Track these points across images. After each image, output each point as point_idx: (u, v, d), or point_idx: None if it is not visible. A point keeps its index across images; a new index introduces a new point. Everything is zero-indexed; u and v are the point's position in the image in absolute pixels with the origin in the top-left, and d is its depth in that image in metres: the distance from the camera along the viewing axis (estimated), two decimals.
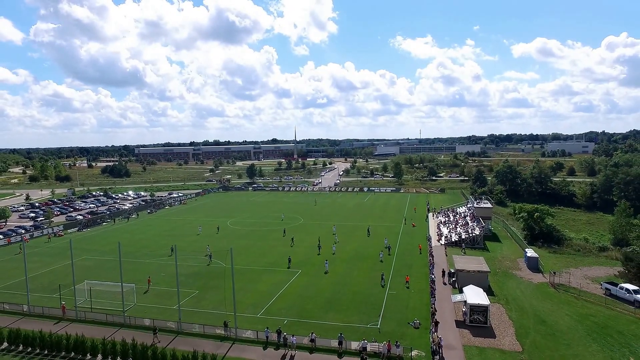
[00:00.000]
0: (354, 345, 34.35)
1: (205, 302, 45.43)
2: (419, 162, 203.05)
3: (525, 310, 41.55)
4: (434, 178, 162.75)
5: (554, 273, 49.21)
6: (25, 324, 39.60)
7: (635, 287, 43.28)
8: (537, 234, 65.57)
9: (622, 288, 43.63)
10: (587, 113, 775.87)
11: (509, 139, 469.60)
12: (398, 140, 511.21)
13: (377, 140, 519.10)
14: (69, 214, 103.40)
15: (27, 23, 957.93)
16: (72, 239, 51.97)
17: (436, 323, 37.27)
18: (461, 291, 42.95)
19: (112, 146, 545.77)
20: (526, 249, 57.74)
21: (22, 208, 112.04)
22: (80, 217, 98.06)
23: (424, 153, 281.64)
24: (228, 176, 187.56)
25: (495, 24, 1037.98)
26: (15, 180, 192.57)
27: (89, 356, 34.10)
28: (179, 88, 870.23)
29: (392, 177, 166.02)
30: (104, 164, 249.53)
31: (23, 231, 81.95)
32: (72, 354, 34.45)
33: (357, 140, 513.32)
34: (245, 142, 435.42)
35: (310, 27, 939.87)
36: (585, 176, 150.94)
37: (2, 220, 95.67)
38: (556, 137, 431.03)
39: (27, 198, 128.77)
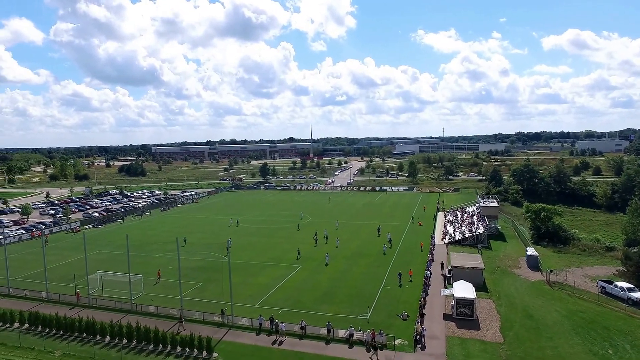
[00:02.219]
0: (341, 333, 36.35)
1: (208, 292, 48.07)
2: (437, 161, 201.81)
3: (515, 306, 42.77)
4: (450, 177, 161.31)
5: (551, 271, 50.15)
6: (43, 309, 42.80)
7: (630, 285, 43.88)
8: (543, 233, 66.14)
9: (616, 286, 44.24)
10: (626, 109, 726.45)
11: (538, 137, 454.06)
12: (418, 138, 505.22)
13: (398, 138, 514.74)
14: (85, 212, 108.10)
15: (47, 23, 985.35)
16: (87, 235, 55.54)
17: (422, 315, 39.02)
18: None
19: (130, 145, 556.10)
20: (527, 248, 58.72)
21: (43, 205, 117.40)
22: (97, 214, 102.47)
23: (444, 152, 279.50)
24: (241, 175, 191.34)
25: (523, 16, 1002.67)
26: (37, 179, 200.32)
27: (98, 337, 37.01)
28: (196, 86, 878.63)
29: (407, 176, 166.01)
30: (121, 163, 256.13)
31: (43, 227, 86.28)
32: (84, 334, 37.45)
33: (376, 139, 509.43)
34: (261, 141, 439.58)
35: (328, 22, 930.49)
36: (613, 176, 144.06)
37: (25, 216, 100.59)
38: (589, 135, 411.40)
39: (47, 196, 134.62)
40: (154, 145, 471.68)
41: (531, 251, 55.83)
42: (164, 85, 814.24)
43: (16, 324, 39.92)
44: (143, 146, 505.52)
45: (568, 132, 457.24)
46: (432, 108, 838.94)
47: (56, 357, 34.04)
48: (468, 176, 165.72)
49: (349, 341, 35.53)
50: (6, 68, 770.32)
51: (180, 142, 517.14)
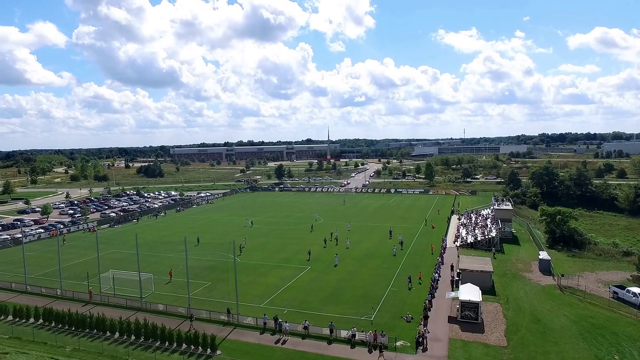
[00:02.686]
0: (344, 333, 36.59)
1: (216, 292, 48.84)
2: (456, 163, 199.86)
3: (523, 310, 42.22)
4: (468, 180, 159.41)
5: (562, 275, 49.33)
6: (57, 305, 44.23)
7: None
8: (557, 237, 64.99)
9: (629, 291, 43.20)
10: None
11: (562, 138, 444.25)
12: (438, 140, 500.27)
13: (417, 140, 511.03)
14: (103, 212, 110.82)
15: (69, 27, 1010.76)
16: (103, 234, 57.06)
17: (425, 317, 38.97)
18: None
19: (150, 147, 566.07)
20: (540, 252, 57.81)
21: (63, 205, 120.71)
22: (113, 214, 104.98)
23: (464, 154, 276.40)
24: (258, 177, 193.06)
25: (548, 14, 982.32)
26: (58, 180, 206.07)
27: (108, 333, 38.12)
28: (215, 88, 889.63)
29: (423, 178, 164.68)
30: (140, 165, 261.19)
31: (62, 226, 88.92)
32: (95, 330, 38.62)
33: (395, 140, 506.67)
34: (279, 143, 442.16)
35: (347, 23, 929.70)
36: (638, 178, 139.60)
37: (45, 216, 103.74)
38: (617, 137, 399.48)
39: (67, 196, 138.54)
40: (173, 147, 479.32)
41: (543, 255, 54.90)
42: (183, 87, 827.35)
43: (31, 320, 41.41)
44: (162, 147, 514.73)
45: (595, 134, 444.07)
46: (453, 109, 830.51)
47: (67, 351, 35.19)
48: (487, 178, 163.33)
49: (351, 341, 35.73)
50: (31, 71, 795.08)
51: (198, 143, 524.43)
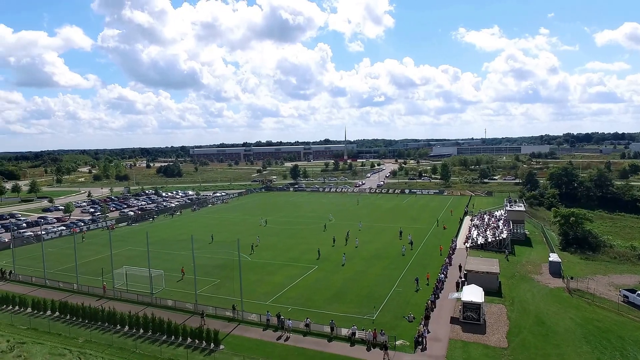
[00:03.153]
0: (344, 331, 37.15)
1: (224, 289, 49.99)
2: (475, 164, 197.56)
3: (528, 312, 41.91)
4: (485, 181, 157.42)
5: (571, 278, 48.69)
6: (73, 299, 46.17)
7: None
8: (571, 239, 63.99)
9: (639, 295, 42.80)
10: None
11: (588, 138, 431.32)
12: (457, 140, 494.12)
13: (437, 140, 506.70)
14: (122, 210, 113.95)
15: (95, 30, 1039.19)
16: (120, 232, 58.95)
17: (426, 317, 39.15)
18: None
19: (171, 147, 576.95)
20: (550, 254, 57.08)
21: (84, 204, 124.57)
22: (132, 213, 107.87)
23: (484, 154, 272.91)
24: (273, 177, 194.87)
25: (574, 10, 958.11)
26: (82, 179, 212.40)
27: (118, 327, 39.67)
28: (234, 89, 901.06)
29: (439, 179, 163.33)
30: (160, 165, 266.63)
31: (82, 224, 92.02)
32: (106, 324, 40.21)
33: (414, 141, 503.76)
34: (297, 143, 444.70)
35: (366, 22, 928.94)
36: None
37: (67, 214, 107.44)
38: None
39: (89, 195, 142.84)
40: (192, 147, 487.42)
41: (554, 257, 54.17)
42: (204, 88, 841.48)
43: (48, 312, 43.38)
44: (182, 148, 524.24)
45: (623, 133, 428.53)
46: (474, 108, 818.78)
47: (79, 343, 36.81)
48: (505, 179, 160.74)
49: (351, 340, 36.25)
50: (59, 74, 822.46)
51: (218, 143, 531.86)
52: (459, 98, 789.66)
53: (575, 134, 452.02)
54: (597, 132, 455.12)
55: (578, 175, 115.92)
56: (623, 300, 43.41)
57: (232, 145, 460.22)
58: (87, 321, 41.05)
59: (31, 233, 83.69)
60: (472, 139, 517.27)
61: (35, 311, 43.73)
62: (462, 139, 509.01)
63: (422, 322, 38.10)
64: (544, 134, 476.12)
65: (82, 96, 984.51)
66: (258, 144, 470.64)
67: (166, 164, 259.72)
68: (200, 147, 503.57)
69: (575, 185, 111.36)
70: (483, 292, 41.75)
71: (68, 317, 42.12)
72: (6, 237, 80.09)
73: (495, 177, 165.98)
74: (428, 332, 37.33)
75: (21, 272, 57.22)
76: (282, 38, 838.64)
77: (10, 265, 58.81)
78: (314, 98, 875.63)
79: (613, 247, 64.47)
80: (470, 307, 39.32)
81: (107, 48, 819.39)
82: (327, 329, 37.53)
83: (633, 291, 43.54)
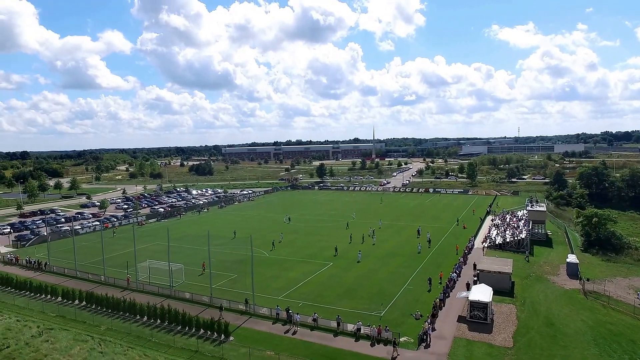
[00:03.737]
0: (350, 327, 38.04)
1: (239, 283, 51.76)
2: (504, 163, 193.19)
3: (538, 313, 41.42)
4: (513, 180, 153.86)
5: (587, 280, 47.62)
6: (99, 290, 49.22)
7: None
8: (593, 240, 62.27)
9: None
10: None
11: (628, 136, 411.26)
12: (489, 139, 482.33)
13: (468, 139, 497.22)
14: (153, 207, 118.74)
15: (134, 34, 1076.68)
16: (149, 228, 61.86)
17: (433, 315, 39.49)
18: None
19: (205, 146, 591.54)
20: (569, 255, 55.76)
21: (119, 201, 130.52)
22: (161, 209, 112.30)
23: (514, 153, 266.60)
24: (300, 175, 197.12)
25: (614, 4, 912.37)
26: (119, 177, 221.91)
27: (137, 317, 42.16)
28: (267, 89, 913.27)
29: (465, 178, 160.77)
30: (193, 163, 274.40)
31: (115, 219, 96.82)
32: (127, 314, 42.77)
33: (445, 139, 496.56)
34: (326, 142, 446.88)
35: (396, 21, 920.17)
36: None
37: (102, 210, 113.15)
38: None
39: (124, 192, 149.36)
40: (225, 146, 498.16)
41: (571, 258, 52.92)
42: (237, 89, 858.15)
43: (76, 301, 46.49)
44: (215, 147, 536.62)
45: None
46: (508, 107, 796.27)
47: (101, 330, 39.47)
48: (534, 179, 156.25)
49: (356, 335, 37.13)
50: (101, 76, 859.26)
51: (250, 142, 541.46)
52: (492, 96, 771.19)
53: (614, 132, 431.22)
54: (638, 130, 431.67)
55: (609, 175, 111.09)
56: None
57: (263, 145, 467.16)
58: (110, 311, 43.79)
59: (67, 227, 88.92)
60: (505, 137, 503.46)
61: (65, 300, 46.97)
62: (494, 138, 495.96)
63: (429, 320, 38.44)
64: (580, 133, 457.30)
65: (123, 97, 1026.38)
66: (288, 143, 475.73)
67: (198, 162, 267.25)
68: (232, 146, 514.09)
69: (606, 185, 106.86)
70: (492, 292, 41.60)
71: (93, 306, 45.03)
72: (45, 231, 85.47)
73: (524, 177, 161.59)
74: (433, 329, 37.66)
75: (56, 263, 61.18)
76: (313, 38, 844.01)
77: (47, 258, 62.97)
78: (345, 97, 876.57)
79: (639, 249, 61.97)
80: (478, 306, 39.33)
81: (145, 51, 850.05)
82: (334, 324, 38.55)
83: None
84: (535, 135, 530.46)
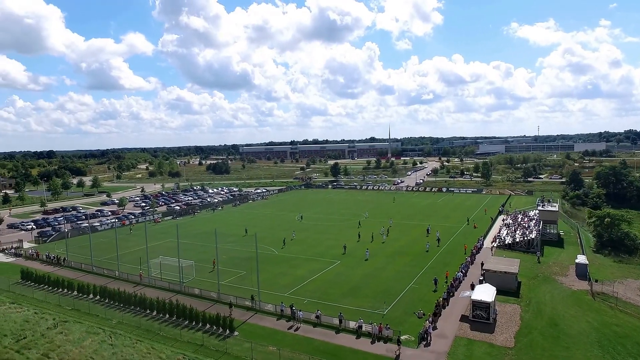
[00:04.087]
0: (352, 324, 38.61)
1: (248, 280, 52.69)
2: (521, 162, 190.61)
3: (542, 313, 41.19)
4: (529, 179, 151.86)
5: (596, 281, 47.01)
6: (113, 284, 50.95)
7: None
8: (605, 241, 61.31)
9: None
10: None
11: None
12: (507, 138, 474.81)
13: (485, 138, 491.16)
14: (169, 205, 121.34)
15: (156, 36, 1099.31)
16: (165, 225, 63.63)
17: (435, 314, 39.72)
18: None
19: (224, 145, 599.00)
20: (578, 256, 55.04)
21: (137, 199, 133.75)
22: (177, 207, 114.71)
23: (533, 152, 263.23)
24: (316, 174, 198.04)
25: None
26: (139, 176, 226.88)
27: (147, 311, 43.62)
28: (284, 88, 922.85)
29: (480, 177, 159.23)
30: (210, 162, 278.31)
31: (132, 217, 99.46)
32: (138, 308, 44.28)
33: (462, 138, 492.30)
34: (342, 141, 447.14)
35: (414, 20, 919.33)
36: None
37: (121, 207, 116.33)
38: None
39: (142, 190, 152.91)
40: (243, 145, 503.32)
41: (581, 259, 52.22)
42: (255, 89, 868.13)
43: (90, 295, 48.29)
44: (233, 146, 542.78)
45: None
46: (528, 105, 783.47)
47: (112, 324, 41.01)
48: (551, 178, 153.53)
49: (357, 332, 37.68)
50: (124, 77, 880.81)
51: (268, 142, 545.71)
52: (512, 94, 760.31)
53: (638, 130, 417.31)
54: None
55: (628, 174, 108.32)
56: None
57: (280, 144, 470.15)
58: (121, 305, 45.35)
59: (87, 224, 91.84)
60: (524, 136, 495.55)
61: (80, 294, 48.85)
62: (512, 137, 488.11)
63: (430, 319, 38.70)
64: (602, 131, 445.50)
65: (144, 98, 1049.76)
66: (305, 142, 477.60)
67: (215, 161, 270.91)
68: (250, 145, 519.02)
69: (624, 185, 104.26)
70: (495, 292, 41.49)
71: (106, 300, 46.72)
72: (66, 227, 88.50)
73: (540, 176, 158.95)
74: (434, 328, 37.96)
75: (73, 259, 63.45)
76: (330, 38, 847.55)
77: (65, 253, 65.33)
78: (362, 97, 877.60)
79: None
80: (480, 306, 39.39)
81: (166, 52, 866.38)
82: (336, 321, 39.16)
83: None
84: (555, 134, 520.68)
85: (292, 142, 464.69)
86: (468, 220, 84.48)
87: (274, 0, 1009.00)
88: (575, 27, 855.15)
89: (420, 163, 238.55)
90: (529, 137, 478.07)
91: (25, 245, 74.49)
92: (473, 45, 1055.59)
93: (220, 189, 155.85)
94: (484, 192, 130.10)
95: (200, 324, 40.16)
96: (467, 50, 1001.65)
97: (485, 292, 40.75)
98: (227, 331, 38.60)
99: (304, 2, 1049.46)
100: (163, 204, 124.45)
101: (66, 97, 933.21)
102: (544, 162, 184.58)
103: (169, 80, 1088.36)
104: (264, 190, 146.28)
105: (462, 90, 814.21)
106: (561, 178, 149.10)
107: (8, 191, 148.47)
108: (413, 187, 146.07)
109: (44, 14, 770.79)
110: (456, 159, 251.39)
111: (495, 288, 42.39)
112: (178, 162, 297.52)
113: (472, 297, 40.08)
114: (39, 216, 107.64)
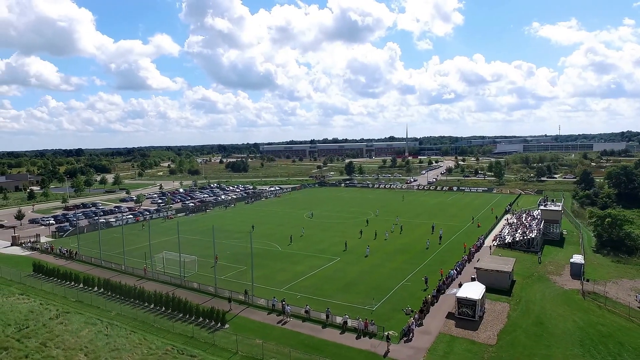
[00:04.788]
0: (339, 319, 39.58)
1: (247, 276, 53.49)
2: (537, 162, 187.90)
3: (530, 312, 41.20)
4: (543, 179, 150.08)
5: (587, 281, 46.57)
6: (118, 278, 53.17)
7: None
8: (605, 241, 60.41)
9: None
10: None
11: None
12: (526, 137, 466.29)
13: (508, 137, 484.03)
14: (184, 202, 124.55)
15: (182, 37, 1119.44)
16: (173, 221, 66.20)
17: (421, 311, 40.26)
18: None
19: (247, 144, 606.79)
20: (574, 255, 54.37)
21: (155, 196, 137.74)
22: (192, 204, 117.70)
23: (551, 151, 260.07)
24: (331, 172, 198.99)
25: None
26: (161, 173, 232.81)
27: (146, 304, 45.54)
28: (307, 88, 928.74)
29: (492, 176, 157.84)
30: (230, 160, 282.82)
31: (148, 213, 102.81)
32: (137, 300, 46.21)
33: (481, 138, 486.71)
34: (362, 140, 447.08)
35: (434, 20, 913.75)
36: None
37: (138, 204, 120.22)
38: None
39: (160, 188, 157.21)
40: (263, 144, 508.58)
41: (576, 259, 51.69)
42: (278, 88, 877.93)
43: (95, 288, 50.74)
44: (255, 145, 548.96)
45: None
46: (550, 104, 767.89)
47: (111, 315, 43.15)
48: (564, 178, 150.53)
49: (343, 327, 38.60)
50: (151, 78, 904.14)
51: (291, 140, 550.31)
52: (533, 94, 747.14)
53: None
54: None
55: (638, 174, 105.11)
56: (639, 306, 40.83)
57: (300, 143, 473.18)
58: (122, 297, 47.44)
59: (103, 220, 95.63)
60: (545, 135, 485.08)
61: (86, 286, 51.33)
62: (532, 136, 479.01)
63: (416, 315, 39.30)
64: (625, 131, 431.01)
65: (171, 97, 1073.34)
66: (324, 141, 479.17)
67: (234, 159, 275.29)
68: (270, 144, 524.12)
69: (636, 185, 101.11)
70: (484, 290, 41.77)
71: (109, 292, 48.99)
72: (80, 223, 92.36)
73: (554, 176, 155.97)
74: (420, 325, 38.62)
75: (86, 253, 66.36)
76: (351, 39, 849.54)
77: (77, 247, 68.43)
78: (383, 96, 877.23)
79: None
80: (466, 304, 39.73)
81: (192, 53, 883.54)
82: (324, 316, 40.17)
83: None
84: (577, 134, 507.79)
85: (312, 141, 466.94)
86: (473, 219, 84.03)
87: (296, 1, 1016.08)
88: (598, 26, 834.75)
89: (436, 162, 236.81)
90: (550, 136, 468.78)
91: (43, 239, 78.16)
92: (494, 45, 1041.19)
93: (236, 186, 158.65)
94: (494, 191, 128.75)
95: (194, 317, 41.81)
96: (488, 50, 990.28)
97: (472, 290, 41.05)
98: (219, 324, 40.13)
99: (326, 3, 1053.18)
100: (179, 200, 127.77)
101: (96, 97, 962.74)
102: (561, 162, 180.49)
103: (194, 81, 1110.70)
104: (277, 188, 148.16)
105: (483, 90, 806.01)
106: (574, 177, 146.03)
107: (34, 188, 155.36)
108: (424, 186, 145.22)
109: (76, 17, 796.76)
110: (472, 159, 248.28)
111: (484, 286, 42.66)
112: (199, 161, 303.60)
113: (457, 295, 40.45)
114: (60, 212, 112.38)
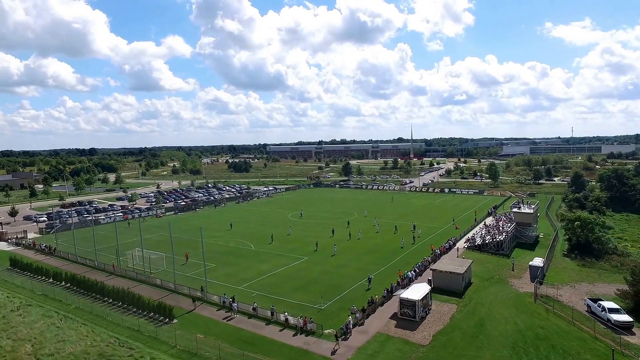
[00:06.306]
0: (282, 317, 40.43)
1: (214, 273, 55.06)
2: (540, 164, 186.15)
3: (476, 314, 41.37)
4: (541, 182, 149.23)
5: (540, 284, 46.60)
6: (89, 274, 54.92)
7: (614, 306, 39.16)
8: (574, 244, 60.08)
9: (599, 305, 39.90)
10: None
11: None
12: (535, 139, 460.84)
13: (518, 139, 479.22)
14: (176, 201, 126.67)
15: (193, 39, 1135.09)
16: (164, 219, 67.28)
17: (363, 310, 40.86)
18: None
19: (258, 144, 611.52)
20: (535, 258, 54.10)
21: (151, 195, 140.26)
22: (183, 203, 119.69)
23: (558, 154, 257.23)
24: (331, 173, 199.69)
25: None
26: (164, 173, 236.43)
27: (105, 298, 46.81)
28: (317, 89, 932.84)
29: (487, 178, 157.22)
30: (232, 160, 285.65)
31: (138, 211, 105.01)
32: (98, 295, 47.64)
33: (490, 139, 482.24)
34: (369, 141, 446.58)
35: (445, 21, 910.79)
36: None
37: (132, 202, 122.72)
38: None
39: (157, 187, 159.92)
40: (271, 145, 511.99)
41: (535, 262, 51.51)
42: (289, 89, 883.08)
43: (63, 282, 52.49)
44: (263, 145, 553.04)
45: None
46: (565, 106, 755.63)
47: (70, 308, 44.73)
48: (563, 180, 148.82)
49: (285, 325, 39.45)
50: (164, 79, 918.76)
51: (299, 141, 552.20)
52: (548, 95, 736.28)
53: None
54: None
55: (629, 177, 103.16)
56: (587, 310, 40.79)
57: (308, 143, 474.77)
58: (85, 292, 49.07)
59: (91, 217, 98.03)
60: (559, 137, 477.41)
61: (55, 281, 53.21)
62: (541, 138, 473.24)
63: (358, 314, 39.92)
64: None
65: (184, 98, 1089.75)
66: (332, 142, 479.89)
67: (237, 160, 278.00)
68: (281, 144, 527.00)
69: (627, 188, 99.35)
70: (428, 291, 42.22)
71: (74, 287, 50.69)
72: (75, 220, 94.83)
73: (553, 179, 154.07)
74: (361, 324, 39.22)
75: (69, 250, 67.80)
76: (361, 40, 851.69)
77: (61, 244, 70.51)
78: (394, 97, 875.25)
79: (629, 255, 58.32)
80: (407, 304, 40.21)
81: (204, 54, 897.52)
82: (269, 314, 41.09)
83: (595, 301, 40.69)
84: (592, 136, 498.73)
85: (319, 142, 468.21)
86: (453, 221, 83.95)
87: (305, 3, 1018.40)
88: (614, 25, 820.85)
89: (438, 164, 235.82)
90: (563, 138, 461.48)
91: (31, 235, 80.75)
92: (506, 45, 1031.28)
93: (231, 186, 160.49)
94: (485, 194, 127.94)
95: (146, 312, 43.16)
96: (500, 50, 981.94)
97: (415, 291, 41.51)
98: (167, 319, 41.35)
99: (335, 4, 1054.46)
100: (173, 200, 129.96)
101: (111, 98, 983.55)
102: (564, 164, 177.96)
103: (206, 82, 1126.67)
104: (270, 188, 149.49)
105: (495, 91, 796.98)
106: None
107: (38, 186, 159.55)
108: (417, 187, 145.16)
109: (90, 19, 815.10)
110: (473, 161, 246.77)
111: (429, 287, 43.13)
112: (205, 161, 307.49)
113: (400, 296, 40.94)
114: (55, 209, 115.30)
